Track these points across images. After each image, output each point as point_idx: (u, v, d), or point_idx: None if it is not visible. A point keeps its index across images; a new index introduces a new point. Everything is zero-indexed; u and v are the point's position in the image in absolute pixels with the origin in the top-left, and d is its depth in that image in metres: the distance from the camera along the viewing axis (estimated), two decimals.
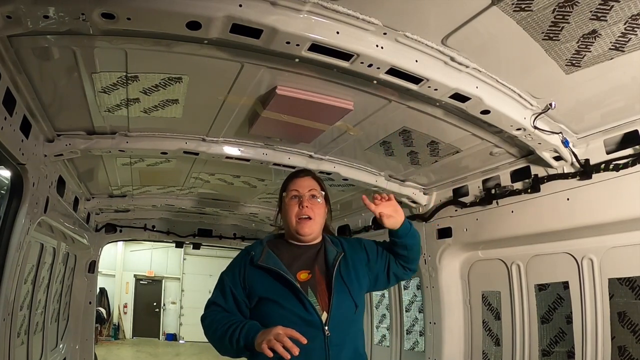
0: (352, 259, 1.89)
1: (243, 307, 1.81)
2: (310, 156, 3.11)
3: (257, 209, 4.82)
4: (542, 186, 2.57)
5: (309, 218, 1.86)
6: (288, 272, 1.76)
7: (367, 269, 1.92)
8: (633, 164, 2.12)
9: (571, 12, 1.52)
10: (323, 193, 1.96)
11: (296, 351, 1.50)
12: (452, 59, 1.82)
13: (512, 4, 1.50)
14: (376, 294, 4.68)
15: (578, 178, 2.37)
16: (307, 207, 1.87)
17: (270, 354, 1.52)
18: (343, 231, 4.54)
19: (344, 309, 1.76)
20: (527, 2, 1.49)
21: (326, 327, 1.70)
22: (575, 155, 2.33)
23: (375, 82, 1.96)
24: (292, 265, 1.82)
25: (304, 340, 1.54)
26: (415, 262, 1.99)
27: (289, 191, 1.93)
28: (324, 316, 1.72)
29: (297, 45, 1.63)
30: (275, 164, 3.09)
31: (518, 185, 2.74)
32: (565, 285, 2.57)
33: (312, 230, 1.87)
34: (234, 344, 1.67)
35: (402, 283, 4.29)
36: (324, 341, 1.69)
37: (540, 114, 2.15)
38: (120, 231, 5.35)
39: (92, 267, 5.06)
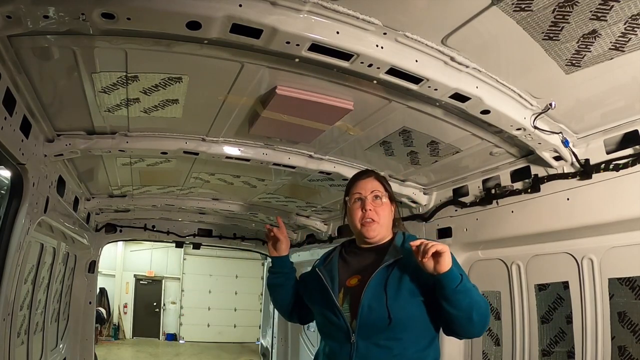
0: (410, 265, 1.67)
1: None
2: (310, 156, 3.11)
3: (258, 208, 4.82)
4: (542, 186, 2.57)
5: (373, 221, 1.81)
6: (331, 279, 1.81)
7: (427, 280, 1.64)
8: (633, 164, 2.12)
9: (571, 12, 1.52)
10: (387, 193, 1.90)
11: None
12: (452, 59, 1.82)
13: (512, 4, 1.50)
14: None
15: (578, 178, 2.37)
16: (370, 210, 1.82)
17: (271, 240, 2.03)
18: (342, 232, 4.54)
19: (373, 318, 1.66)
20: (527, 2, 1.49)
21: (353, 335, 1.67)
22: (575, 155, 2.33)
23: (375, 82, 1.96)
24: (349, 270, 1.82)
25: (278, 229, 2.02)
26: (464, 328, 1.64)
27: (352, 195, 1.90)
28: (354, 324, 1.69)
29: (297, 45, 1.63)
30: (275, 164, 3.09)
31: (518, 185, 2.73)
32: (565, 285, 2.57)
33: (378, 233, 1.83)
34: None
35: None
36: (350, 348, 1.67)
37: (540, 113, 2.15)
38: (120, 231, 5.36)
39: (92, 267, 5.07)
